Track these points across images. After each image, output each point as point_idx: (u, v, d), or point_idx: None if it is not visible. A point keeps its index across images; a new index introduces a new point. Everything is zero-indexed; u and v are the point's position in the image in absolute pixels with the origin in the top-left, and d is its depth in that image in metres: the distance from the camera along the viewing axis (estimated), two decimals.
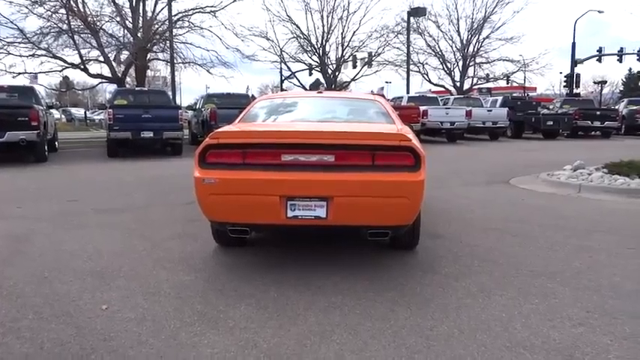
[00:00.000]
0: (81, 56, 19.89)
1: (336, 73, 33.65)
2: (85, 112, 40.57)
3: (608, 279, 3.99)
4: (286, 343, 2.90)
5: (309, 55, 33.43)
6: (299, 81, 35.29)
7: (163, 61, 22.53)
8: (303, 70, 36.07)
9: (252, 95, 22.32)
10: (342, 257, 4.51)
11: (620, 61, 42.59)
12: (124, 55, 21.19)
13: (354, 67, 36.30)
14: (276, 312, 3.34)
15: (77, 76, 40.86)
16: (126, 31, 20.48)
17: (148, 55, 21.47)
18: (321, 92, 5.88)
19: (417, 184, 3.84)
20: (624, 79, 66.51)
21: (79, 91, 41.69)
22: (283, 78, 40.28)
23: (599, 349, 2.83)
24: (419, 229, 4.54)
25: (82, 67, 20.28)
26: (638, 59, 41.58)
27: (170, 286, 3.81)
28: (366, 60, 36.81)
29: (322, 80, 33.34)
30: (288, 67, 33.92)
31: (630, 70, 62.78)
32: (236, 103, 16.70)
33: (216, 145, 3.95)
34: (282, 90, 43.17)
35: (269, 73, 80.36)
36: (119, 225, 5.80)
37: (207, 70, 22.76)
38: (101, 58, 20.33)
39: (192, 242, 5.03)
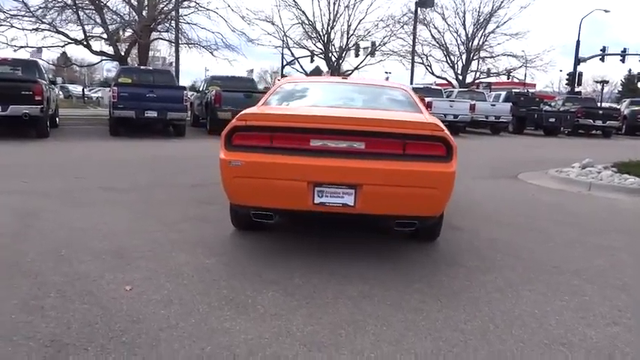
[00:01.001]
0: (85, 32, 19.59)
1: (340, 61, 33.41)
2: (83, 89, 40.12)
3: (633, 279, 3.94)
4: (320, 331, 2.83)
5: (314, 41, 33.20)
6: (302, 67, 35.08)
7: (167, 41, 22.26)
8: (305, 56, 35.86)
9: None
10: (363, 246, 4.44)
11: (622, 61, 42.61)
12: (128, 33, 20.88)
13: (357, 55, 36.10)
14: (305, 299, 3.26)
15: (75, 53, 40.34)
16: (130, 9, 20.18)
17: (152, 35, 21.17)
18: (346, 77, 5.78)
19: (448, 175, 3.77)
20: (623, 80, 66.75)
21: (78, 68, 41.18)
22: (285, 63, 40.05)
23: (638, 349, 2.78)
24: (442, 221, 4.47)
25: (85, 43, 19.98)
26: None
27: (192, 269, 3.72)
28: (370, 49, 36.64)
29: (326, 68, 33.14)
30: (291, 53, 33.71)
31: (630, 71, 62.94)
32: (240, 87, 16.59)
33: (243, 127, 3.85)
34: (282, 76, 42.97)
35: (270, 58, 79.84)
36: (128, 204, 5.70)
37: (211, 53, 22.49)
38: (104, 36, 20.02)
39: (205, 225, 4.94)
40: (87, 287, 3.30)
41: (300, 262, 3.94)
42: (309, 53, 35.50)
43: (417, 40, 31.83)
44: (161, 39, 22.37)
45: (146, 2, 19.99)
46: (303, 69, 35.19)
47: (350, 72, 33.67)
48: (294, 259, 4.00)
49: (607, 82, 55.03)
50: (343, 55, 33.51)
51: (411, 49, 32.58)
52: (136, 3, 20.45)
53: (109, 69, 47.88)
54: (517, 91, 28.81)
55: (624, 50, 41.49)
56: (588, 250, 4.69)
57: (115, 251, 4.03)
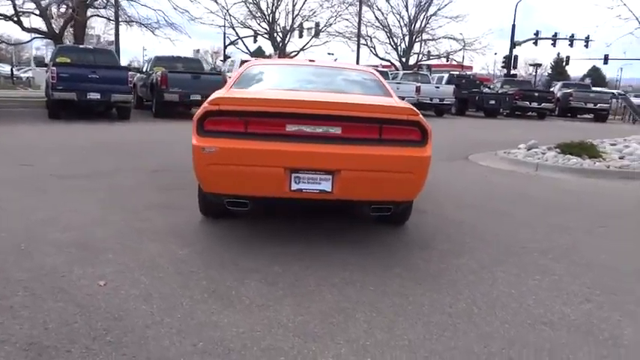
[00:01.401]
0: (15, 7, 18.31)
1: (285, 42, 33.04)
2: (12, 69, 37.66)
3: (595, 256, 4.14)
4: (311, 321, 2.80)
5: (258, 21, 32.59)
6: (246, 47, 34.49)
7: (105, 18, 21.16)
8: (248, 36, 35.21)
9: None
10: (337, 231, 4.44)
11: (554, 45, 44.62)
12: (62, 9, 19.70)
13: (300, 36, 35.81)
14: (288, 288, 3.22)
15: (2, 29, 37.71)
16: None
17: (89, 11, 20.08)
18: (313, 60, 5.68)
19: (424, 159, 3.80)
20: (552, 63, 70.07)
21: (5, 46, 38.58)
22: (228, 43, 39.20)
23: (613, 325, 2.93)
24: (412, 205, 4.52)
25: (16, 19, 18.70)
26: (569, 44, 43.84)
27: (166, 260, 3.58)
28: (314, 30, 36.42)
29: (271, 48, 32.70)
30: (236, 33, 33.01)
31: (559, 54, 66.41)
32: (187, 67, 16.12)
33: (216, 111, 3.72)
34: (225, 56, 42.02)
35: (212, 37, 77.51)
36: (86, 192, 5.42)
37: (152, 31, 21.66)
38: (37, 11, 18.79)
39: (172, 213, 4.78)
40: (57, 283, 3.12)
41: (276, 250, 3.88)
42: (253, 33, 34.92)
43: (361, 22, 31.87)
44: (98, 16, 21.28)
45: None
46: (248, 49, 34.59)
47: (296, 53, 33.40)
48: (270, 247, 3.94)
49: (540, 65, 57.42)
50: (288, 35, 33.10)
51: (354, 30, 32.64)
52: None
53: (39, 47, 45.17)
54: (458, 73, 29.51)
55: (555, 34, 43.43)
56: (549, 231, 4.87)
57: (81, 243, 3.82)
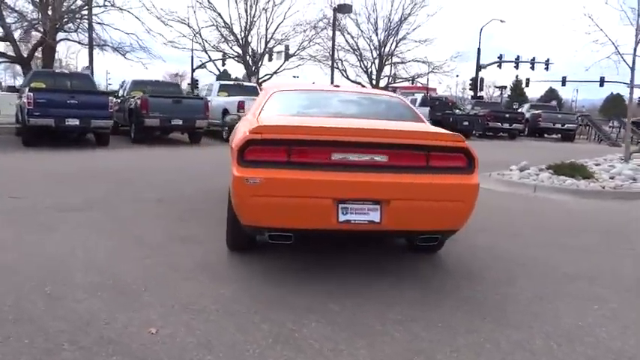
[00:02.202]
0: None
1: (259, 65, 32.93)
2: None
3: (637, 281, 4.09)
4: None
5: (230, 45, 32.39)
6: (218, 70, 34.28)
7: (76, 42, 20.58)
8: (216, 59, 34.96)
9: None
10: (370, 263, 4.26)
11: (516, 67, 46.11)
12: (33, 31, 19.07)
13: (270, 59, 35.78)
14: (351, 328, 3.01)
15: None
16: (34, 7, 18.45)
17: (58, 35, 19.52)
18: (338, 86, 5.55)
19: (474, 187, 3.69)
20: (512, 85, 72.51)
21: None
22: (195, 67, 38.90)
23: None
24: None
25: None
26: (530, 67, 45.36)
27: (211, 301, 3.33)
28: (284, 54, 36.51)
29: (244, 72, 32.54)
30: (209, 56, 32.70)
31: (517, 77, 69.09)
32: (166, 92, 15.79)
33: (259, 140, 3.52)
34: (192, 80, 41.62)
35: (180, 61, 76.53)
36: (94, 225, 5.08)
37: (123, 55, 21.20)
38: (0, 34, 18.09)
39: (195, 246, 4.51)
40: (103, 333, 2.82)
41: (320, 284, 3.68)
42: (222, 56, 34.72)
43: (334, 46, 32.13)
44: (69, 40, 20.70)
45: None
46: (220, 71, 34.40)
47: (269, 76, 33.35)
48: (313, 281, 3.74)
49: (505, 87, 59.17)
50: (261, 59, 33.02)
51: (327, 54, 32.88)
52: (38, 0, 18.73)
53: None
54: (431, 95, 29.99)
55: (517, 58, 44.93)
56: (579, 254, 4.81)
57: (111, 285, 3.52)
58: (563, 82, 53.70)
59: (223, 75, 41.79)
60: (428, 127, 4.22)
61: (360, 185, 3.53)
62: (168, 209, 5.97)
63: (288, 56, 36.11)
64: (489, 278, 4.01)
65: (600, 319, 3.30)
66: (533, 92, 78.62)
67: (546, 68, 45.05)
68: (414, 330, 3.02)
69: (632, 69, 12.61)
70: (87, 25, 18.98)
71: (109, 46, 19.87)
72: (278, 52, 36.60)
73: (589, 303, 3.57)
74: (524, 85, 60.87)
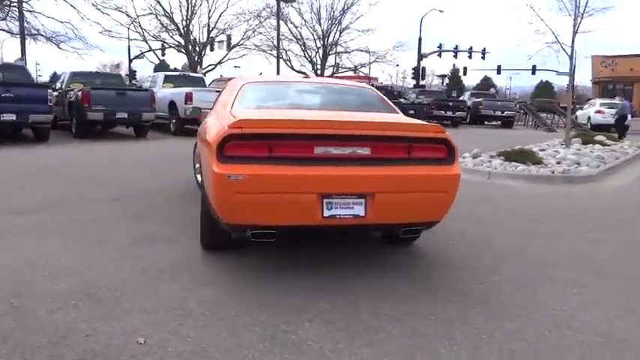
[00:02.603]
0: None
1: (202, 55, 32.11)
2: None
3: (607, 264, 4.25)
4: None
5: (171, 34, 31.38)
6: (160, 60, 33.16)
7: (5, 31, 19.25)
8: (155, 49, 33.82)
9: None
10: (347, 256, 4.21)
11: (455, 56, 47.35)
12: None
13: (212, 49, 35.02)
14: (348, 326, 2.94)
15: None
16: None
17: None
18: (307, 76, 5.41)
19: (456, 177, 3.70)
20: (450, 74, 74.64)
21: None
22: (133, 57, 37.53)
23: None
24: None
25: None
26: (468, 56, 46.76)
27: (196, 304, 3.17)
28: (226, 43, 35.84)
29: (186, 61, 31.63)
30: (149, 46, 31.55)
31: (454, 65, 71.45)
32: (107, 83, 15.09)
33: (239, 135, 3.37)
34: (130, 71, 40.08)
35: (119, 52, 73.48)
36: (51, 228, 4.75)
37: (57, 45, 20.11)
38: None
39: (165, 247, 4.30)
40: (86, 346, 2.62)
41: (305, 281, 3.59)
42: (161, 46, 33.63)
43: (278, 35, 31.76)
44: None
45: None
46: (159, 61, 33.33)
47: (213, 67, 32.64)
48: (296, 278, 3.65)
49: (446, 75, 60.69)
50: (204, 49, 32.22)
51: (271, 44, 32.53)
52: None
53: None
54: (375, 84, 30.27)
55: (456, 47, 46.15)
56: (547, 241, 4.93)
57: (83, 292, 3.29)
58: (499, 70, 55.62)
59: (161, 65, 40.57)
60: (407, 118, 4.20)
61: (344, 179, 3.46)
62: (127, 208, 5.68)
63: (230, 46, 35.50)
64: (468, 267, 4.05)
65: (583, 304, 3.39)
66: (470, 80, 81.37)
67: (483, 57, 46.53)
68: (410, 325, 2.99)
69: (571, 57, 13.18)
70: (17, 13, 17.80)
71: (42, 35, 18.76)
72: (220, 42, 35.90)
73: (568, 288, 3.67)
74: (461, 74, 62.89)
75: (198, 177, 6.89)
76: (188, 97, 14.64)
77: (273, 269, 3.86)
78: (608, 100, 27.85)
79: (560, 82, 73.89)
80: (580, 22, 12.50)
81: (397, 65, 48.34)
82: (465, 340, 2.83)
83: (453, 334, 2.88)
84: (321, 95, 4.67)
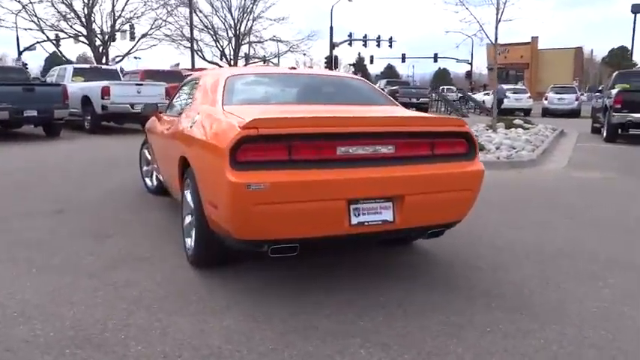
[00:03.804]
0: None
1: (107, 46, 29.90)
2: None
3: (608, 252, 4.24)
4: None
5: (70, 23, 28.89)
6: (61, 53, 30.51)
7: None
8: (44, 40, 31.10)
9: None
10: (359, 265, 3.87)
11: (365, 45, 48.28)
12: None
13: (114, 39, 32.83)
14: (409, 350, 2.61)
15: None
16: None
17: None
18: (295, 68, 4.92)
19: (481, 173, 3.47)
20: (355, 62, 76.32)
21: None
22: (23, 49, 34.33)
23: None
24: None
25: None
26: (377, 45, 47.91)
27: (221, 339, 2.67)
28: (129, 33, 33.83)
29: (90, 53, 29.32)
30: (47, 37, 28.83)
31: (359, 54, 73.68)
32: (11, 79, 13.51)
33: (254, 137, 2.90)
34: (19, 60, 36.59)
35: (6, 42, 66.90)
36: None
37: None
38: None
39: (150, 268, 3.71)
40: None
41: (334, 297, 3.22)
42: (55, 37, 30.99)
43: (186, 24, 30.42)
44: None
45: None
46: (64, 56, 30.70)
47: (120, 58, 30.53)
48: (322, 293, 3.27)
49: (355, 64, 61.70)
50: (110, 39, 30.02)
51: (180, 33, 31.05)
52: None
53: None
54: None
55: (365, 36, 47.09)
56: (538, 229, 4.89)
57: (74, 337, 2.68)
58: (403, 58, 57.76)
59: (53, 57, 37.56)
60: (418, 112, 3.91)
61: (371, 182, 3.11)
62: (77, 222, 4.94)
63: (133, 36, 33.55)
64: (485, 266, 3.86)
65: (620, 299, 3.29)
66: (375, 69, 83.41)
67: (390, 46, 47.89)
68: (472, 341, 2.70)
69: (495, 45, 13.64)
70: None
71: None
72: (122, 32, 33.81)
73: (592, 282, 3.58)
74: (368, 62, 64.30)
75: (147, 180, 6.23)
76: (105, 92, 13.48)
77: (291, 283, 3.44)
78: (512, 86, 29.53)
79: (457, 70, 78.08)
80: (503, 11, 12.93)
81: (304, 54, 48.33)
82: (537, 353, 2.60)
83: (524, 350, 2.63)
84: (318, 88, 4.25)
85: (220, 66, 34.44)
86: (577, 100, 26.28)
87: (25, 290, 3.29)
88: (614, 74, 15.52)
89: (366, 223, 3.13)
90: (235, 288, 3.36)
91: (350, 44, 45.17)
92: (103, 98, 13.47)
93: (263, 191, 2.85)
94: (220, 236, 3.31)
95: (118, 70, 17.17)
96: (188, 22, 29.79)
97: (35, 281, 3.45)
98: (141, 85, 14.18)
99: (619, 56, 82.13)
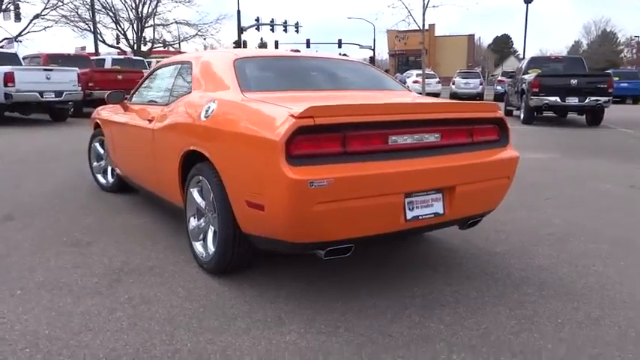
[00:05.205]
0: None
1: None
2: None
3: (604, 230, 4.39)
4: None
5: None
6: None
7: None
8: None
9: None
10: (386, 260, 3.68)
11: (272, 30, 47.78)
12: None
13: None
14: (482, 343, 2.47)
15: None
16: None
17: None
18: (298, 51, 4.48)
19: (517, 160, 3.39)
20: (257, 47, 75.87)
21: None
22: None
23: None
24: None
25: None
26: (283, 30, 47.66)
27: (298, 359, 2.37)
28: (14, 14, 30.72)
29: None
30: None
31: (262, 39, 73.83)
32: None
33: (310, 127, 2.58)
34: None
35: None
36: None
37: None
38: None
39: (158, 280, 3.25)
40: None
41: (387, 298, 2.98)
42: None
43: (82, 4, 28.09)
44: None
45: None
46: None
47: (8, 40, 27.45)
48: (376, 294, 3.01)
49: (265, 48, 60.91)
50: None
51: (77, 15, 28.62)
52: None
53: None
54: None
55: (272, 21, 46.59)
56: (527, 212, 4.97)
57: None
58: (308, 44, 57.90)
59: None
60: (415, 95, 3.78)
61: (425, 173, 2.91)
62: (39, 229, 4.27)
63: (19, 16, 30.52)
64: (505, 252, 3.82)
65: (633, 273, 3.38)
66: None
67: (297, 31, 47.81)
68: (549, 332, 2.61)
69: (422, 31, 13.94)
70: None
71: None
72: (7, 12, 30.59)
73: (614, 261, 3.64)
74: (272, 47, 63.82)
75: (100, 177, 5.63)
76: (8, 79, 12.05)
77: (335, 285, 3.15)
78: (420, 71, 30.49)
79: (360, 56, 79.92)
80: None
81: (204, 39, 46.75)
82: (624, 340, 2.56)
83: (609, 339, 2.57)
84: (334, 74, 3.91)
85: (123, 51, 32.33)
86: (481, 84, 27.78)
87: (22, 318, 2.73)
88: (527, 59, 16.51)
89: (420, 217, 2.93)
90: (271, 295, 3.02)
91: (257, 29, 44.40)
92: (6, 86, 12.04)
93: (325, 188, 2.54)
94: (255, 239, 2.95)
95: (17, 53, 15.40)
96: (84, 1, 27.57)
97: (28, 305, 2.87)
98: (50, 70, 12.82)
99: (503, 43, 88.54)
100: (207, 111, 3.20)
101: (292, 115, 2.57)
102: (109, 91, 4.69)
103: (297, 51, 4.55)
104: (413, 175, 2.84)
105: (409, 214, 2.89)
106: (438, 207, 3.01)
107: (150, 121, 4.02)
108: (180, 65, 4.07)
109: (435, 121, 3.01)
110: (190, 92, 3.65)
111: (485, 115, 3.28)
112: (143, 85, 4.72)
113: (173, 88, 3.99)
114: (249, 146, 2.77)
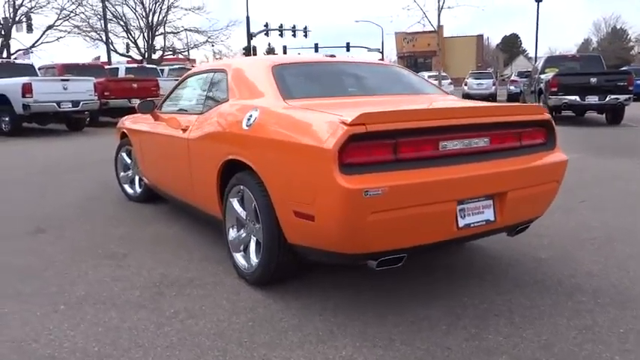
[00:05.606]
0: None
1: (8, 38, 27.02)
2: None
3: None
4: None
5: None
6: None
7: None
8: None
9: None
10: (422, 273, 3.59)
11: (281, 35, 47.87)
12: None
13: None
14: (546, 355, 2.38)
15: None
16: None
17: None
18: (334, 56, 4.44)
19: (566, 163, 3.29)
20: (265, 53, 76.11)
21: None
22: None
23: None
24: None
25: None
26: (292, 35, 47.74)
27: None
28: (26, 25, 31.06)
29: None
30: None
31: (269, 44, 74.29)
32: None
33: (363, 134, 2.51)
34: None
35: None
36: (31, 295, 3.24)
37: None
38: None
39: (205, 291, 3.19)
40: None
41: (439, 308, 2.89)
42: None
43: (93, 14, 28.29)
44: None
45: None
46: None
47: (23, 51, 27.69)
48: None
49: (275, 54, 61.12)
50: (10, 29, 27.16)
51: (89, 25, 28.83)
52: None
53: None
54: None
55: (281, 26, 46.71)
56: (555, 216, 4.86)
57: None
58: (316, 48, 57.95)
59: None
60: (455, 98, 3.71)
61: (476, 179, 2.82)
62: (72, 242, 4.23)
63: (31, 27, 30.85)
64: (549, 258, 3.71)
65: None
66: None
67: (305, 35, 47.89)
68: (615, 344, 2.51)
69: (437, 32, 13.83)
70: None
71: None
72: (19, 24, 30.93)
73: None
74: (280, 52, 63.97)
75: (127, 187, 5.59)
76: (26, 90, 12.09)
77: (382, 295, 3.06)
78: (434, 73, 30.38)
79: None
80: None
81: (213, 45, 46.92)
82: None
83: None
84: (372, 79, 3.85)
85: (134, 59, 32.51)
86: (494, 85, 27.57)
87: (69, 334, 2.67)
88: (543, 59, 16.33)
89: (472, 225, 2.85)
90: (318, 307, 2.94)
91: (267, 34, 44.55)
92: (24, 97, 12.08)
93: (379, 197, 2.46)
94: (302, 250, 2.88)
95: (33, 64, 15.48)
96: (95, 11, 27.76)
97: (73, 321, 2.82)
98: (67, 80, 12.86)
99: (511, 43, 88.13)
100: (248, 119, 3.14)
101: (344, 123, 2.51)
102: (140, 101, 4.66)
103: (333, 56, 4.49)
104: (464, 181, 2.76)
105: (461, 222, 2.80)
106: (489, 214, 2.92)
107: (184, 130, 3.97)
108: (213, 73, 4.01)
109: (484, 125, 2.93)
110: (227, 100, 3.59)
111: (533, 118, 3.18)
112: (174, 94, 4.67)
113: (207, 96, 3.94)
114: (297, 155, 2.70)
